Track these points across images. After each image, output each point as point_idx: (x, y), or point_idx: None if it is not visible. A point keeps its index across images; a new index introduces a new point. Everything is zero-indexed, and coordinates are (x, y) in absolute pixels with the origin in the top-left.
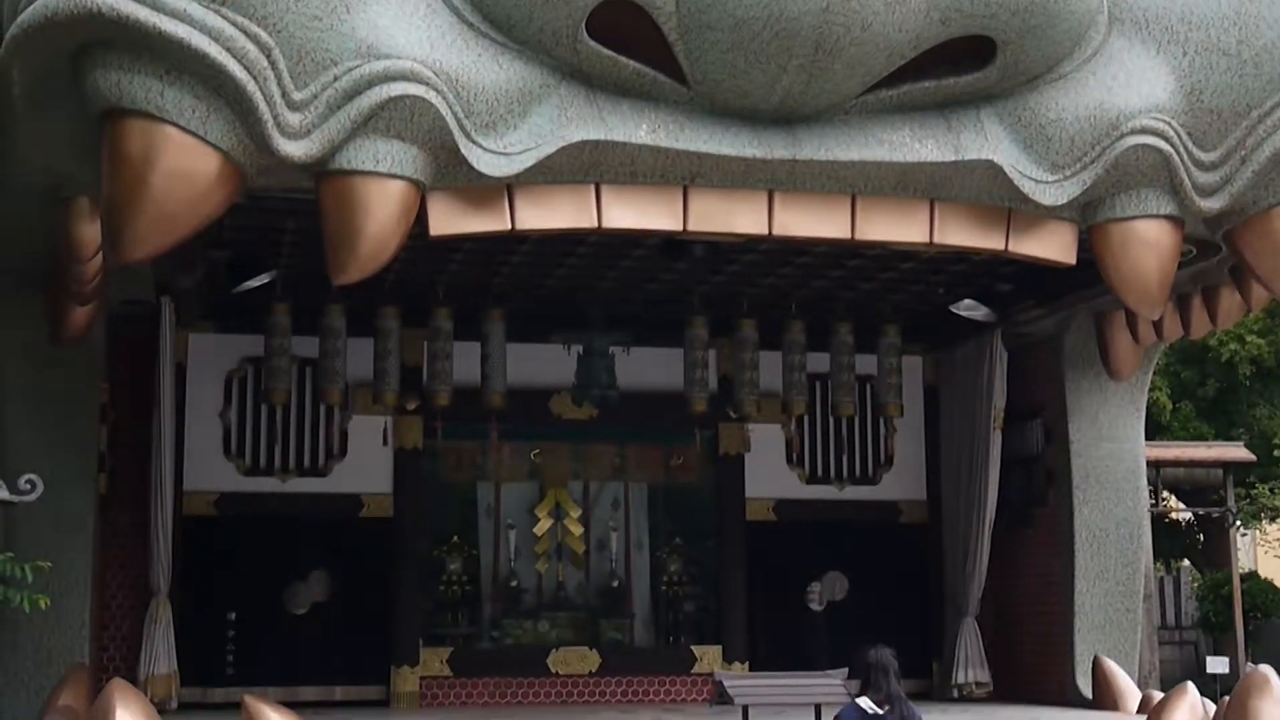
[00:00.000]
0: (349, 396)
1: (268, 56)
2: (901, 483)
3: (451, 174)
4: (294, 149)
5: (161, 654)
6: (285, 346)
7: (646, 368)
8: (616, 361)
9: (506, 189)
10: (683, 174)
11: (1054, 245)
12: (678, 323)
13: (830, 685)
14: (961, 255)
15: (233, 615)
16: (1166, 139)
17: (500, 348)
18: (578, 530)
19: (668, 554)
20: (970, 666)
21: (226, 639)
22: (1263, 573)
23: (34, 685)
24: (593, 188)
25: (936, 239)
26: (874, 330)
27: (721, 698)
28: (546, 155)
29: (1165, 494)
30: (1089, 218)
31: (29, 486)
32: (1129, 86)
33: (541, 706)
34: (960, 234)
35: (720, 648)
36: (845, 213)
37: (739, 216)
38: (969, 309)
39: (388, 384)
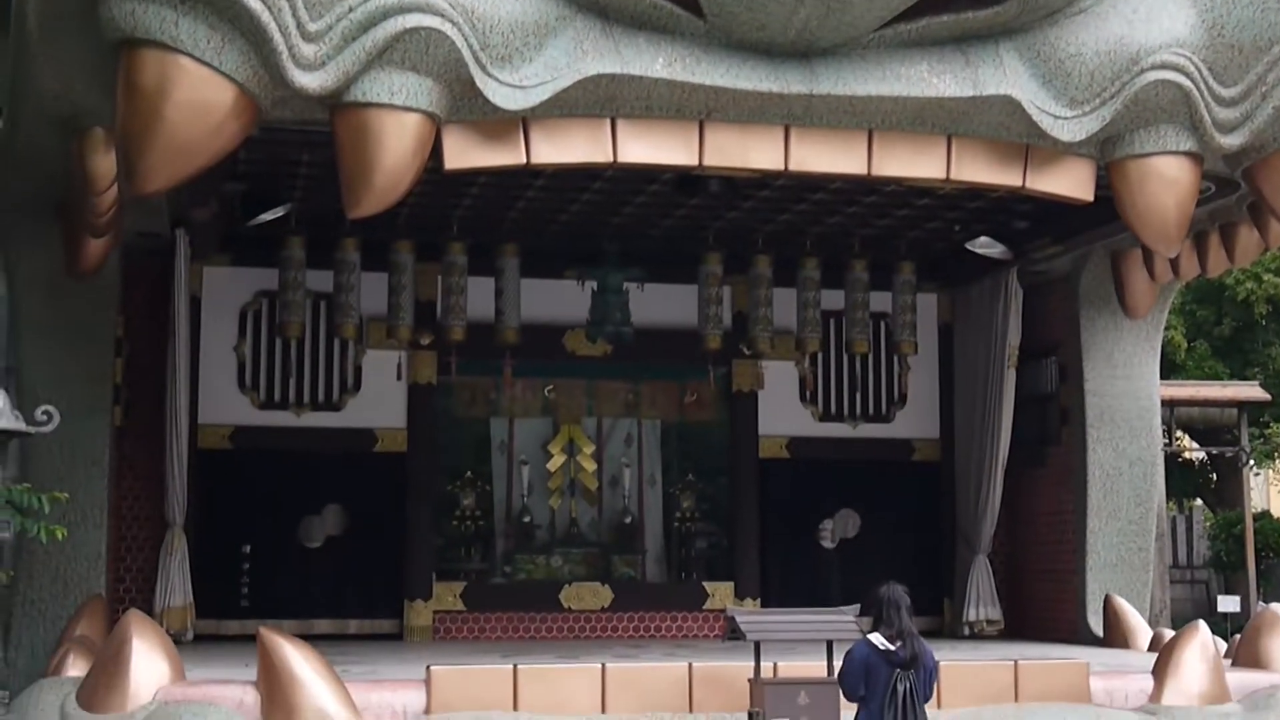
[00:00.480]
0: (363, 330)
1: None
2: (915, 421)
3: (466, 107)
4: (309, 80)
5: (177, 586)
6: (300, 280)
7: (661, 304)
8: (631, 297)
9: (521, 122)
10: (699, 108)
11: (1071, 182)
12: (692, 259)
13: (843, 622)
14: (978, 192)
15: (248, 548)
16: (1187, 74)
17: (514, 283)
18: (591, 466)
19: (680, 490)
20: (982, 604)
21: (241, 572)
22: (1275, 512)
23: (51, 615)
24: (608, 122)
25: (953, 175)
26: (889, 267)
27: (734, 633)
28: (562, 89)
29: (1179, 433)
30: (1107, 154)
31: (45, 418)
32: (1149, 21)
33: (554, 641)
34: (977, 170)
35: (732, 584)
36: (862, 148)
37: (755, 151)
38: (985, 246)
39: (402, 318)
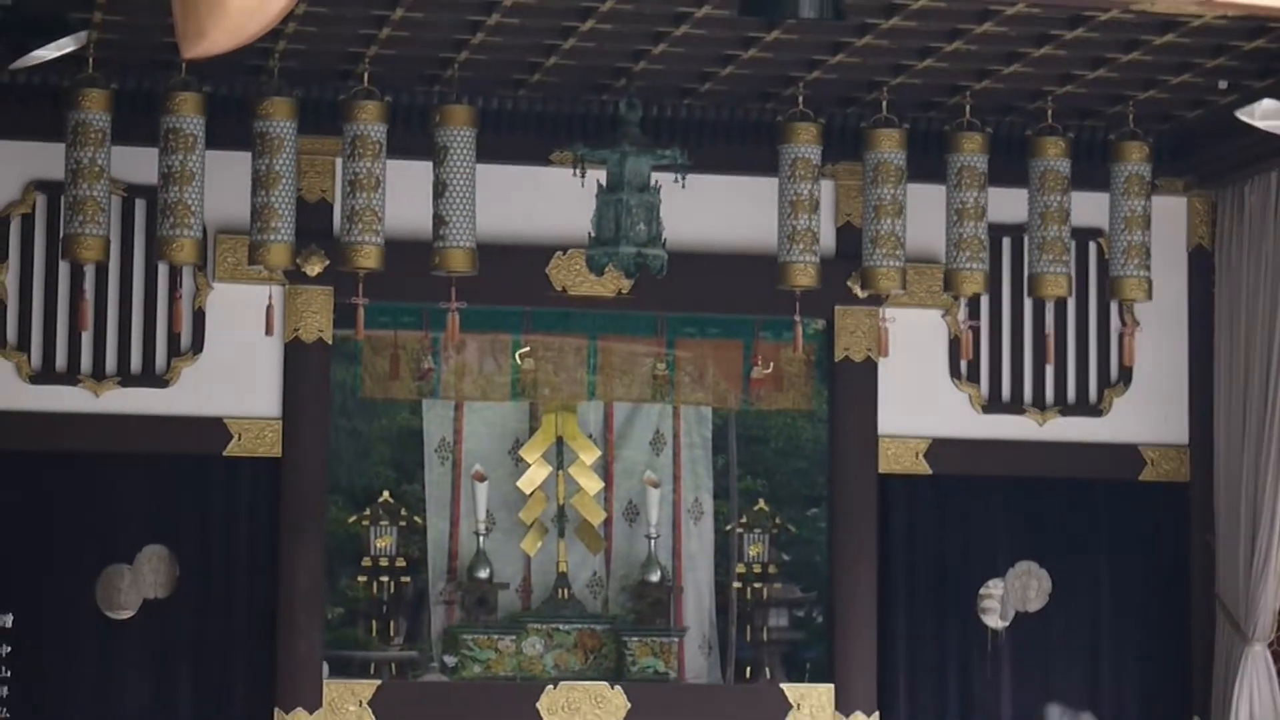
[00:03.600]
0: (209, 251)
1: None
2: (1146, 414)
3: None
4: None
5: None
6: (101, 164)
7: (713, 210)
8: (663, 198)
9: None
10: None
11: None
12: (767, 134)
13: None
14: (1262, 20)
15: (7, 620)
16: None
17: (466, 172)
18: (593, 485)
19: (746, 527)
20: None
21: None
22: None
23: None
24: None
25: None
26: (1104, 151)
27: None
28: None
29: None
30: None
31: None
32: None
33: None
34: None
35: (832, 687)
36: None
37: None
38: (1272, 116)
39: (274, 230)
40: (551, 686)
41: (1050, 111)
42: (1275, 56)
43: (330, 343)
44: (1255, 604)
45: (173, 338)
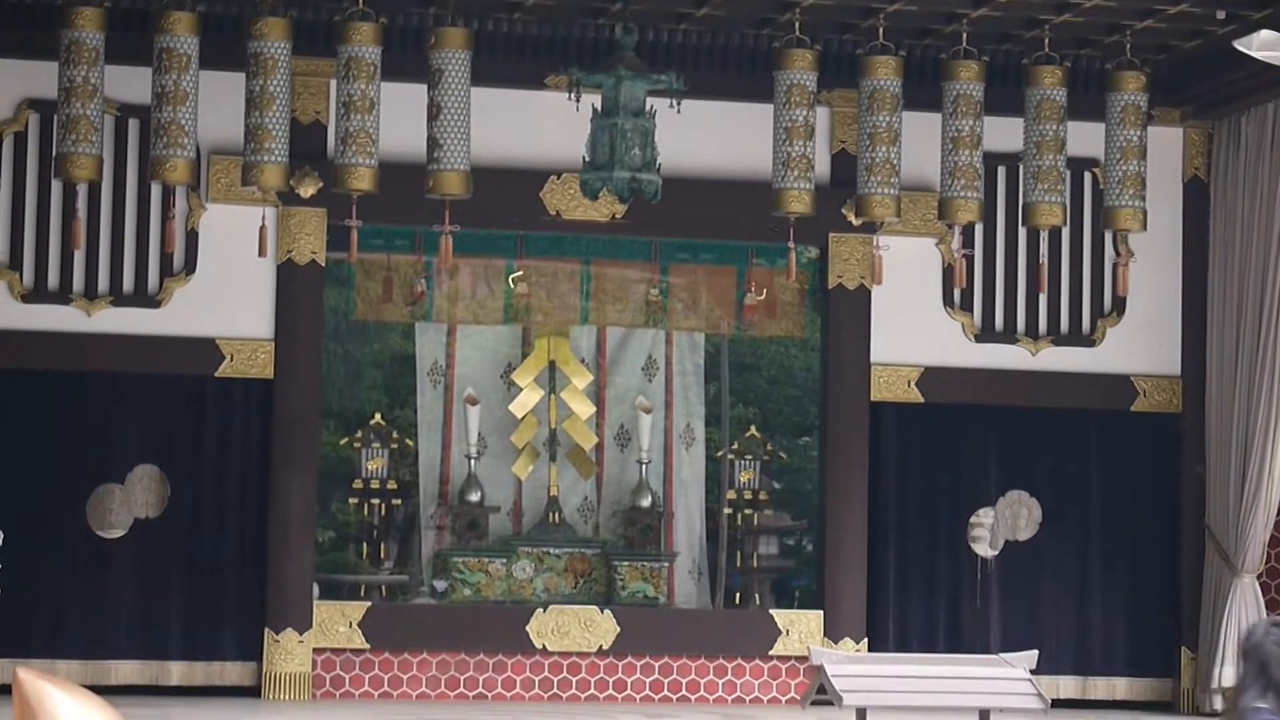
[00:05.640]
0: (202, 172)
1: None
2: (1139, 345)
3: None
4: None
5: None
6: (94, 82)
7: (708, 135)
8: (658, 123)
9: None
10: None
11: None
12: (763, 60)
13: (1009, 679)
14: None
15: None
16: None
17: (460, 94)
18: (585, 410)
19: (737, 454)
20: None
21: None
22: None
23: None
24: None
25: None
26: (1101, 79)
27: (822, 693)
28: None
29: None
30: None
31: None
32: None
33: (515, 705)
34: None
35: (821, 613)
36: None
37: None
38: (1270, 47)
39: (268, 151)
40: (541, 610)
41: (1047, 40)
42: None
43: (323, 265)
44: (1245, 536)
45: (165, 258)
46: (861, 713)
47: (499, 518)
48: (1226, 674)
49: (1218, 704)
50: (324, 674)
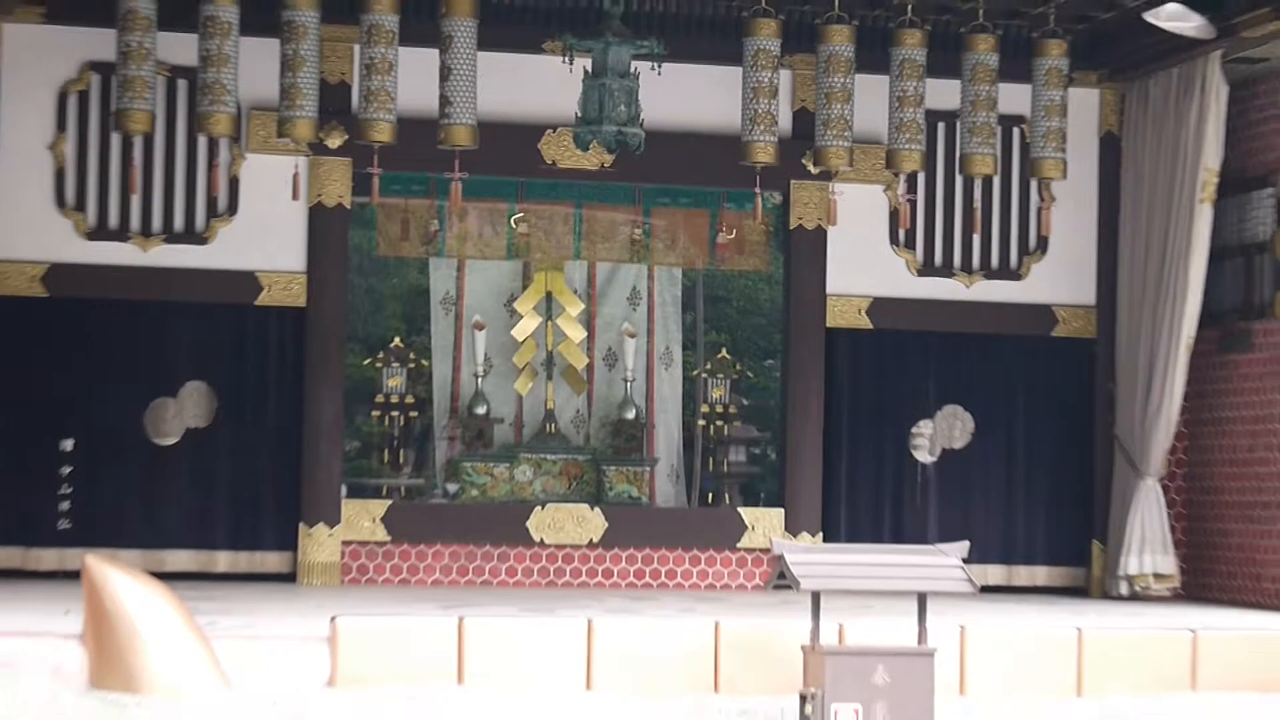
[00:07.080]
0: (243, 126)
1: None
2: (1059, 278)
3: None
4: None
5: None
6: (148, 47)
7: (686, 94)
8: (641, 83)
9: None
10: None
11: None
12: (733, 28)
13: (944, 567)
14: None
15: (68, 445)
16: None
17: (468, 58)
18: (578, 335)
19: (710, 374)
20: (1149, 551)
21: (59, 480)
22: None
23: None
24: None
25: None
26: (1027, 47)
27: (782, 581)
28: None
29: None
30: None
31: None
32: None
33: (516, 590)
34: None
35: (782, 511)
36: None
37: None
38: (1174, 18)
39: (300, 108)
40: (539, 508)
41: (981, 11)
42: None
43: (349, 208)
44: (1148, 444)
45: (210, 201)
46: (816, 596)
47: (503, 428)
48: (1131, 563)
49: (1123, 589)
50: (351, 563)
